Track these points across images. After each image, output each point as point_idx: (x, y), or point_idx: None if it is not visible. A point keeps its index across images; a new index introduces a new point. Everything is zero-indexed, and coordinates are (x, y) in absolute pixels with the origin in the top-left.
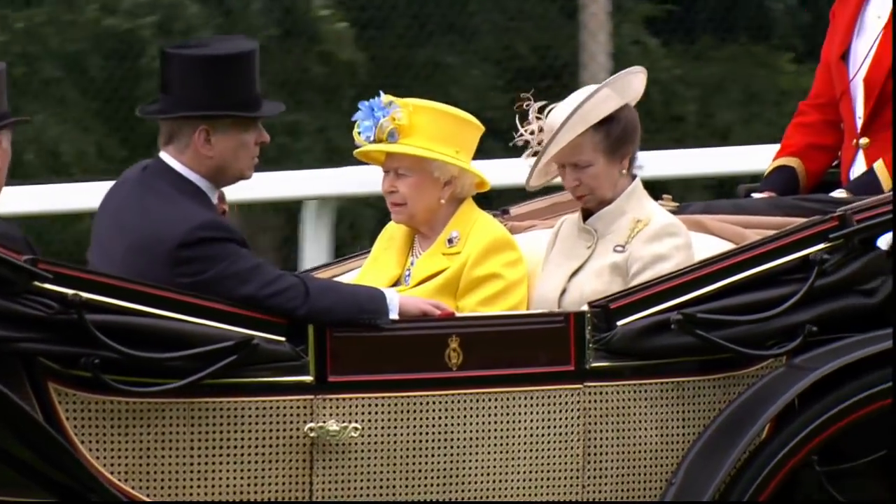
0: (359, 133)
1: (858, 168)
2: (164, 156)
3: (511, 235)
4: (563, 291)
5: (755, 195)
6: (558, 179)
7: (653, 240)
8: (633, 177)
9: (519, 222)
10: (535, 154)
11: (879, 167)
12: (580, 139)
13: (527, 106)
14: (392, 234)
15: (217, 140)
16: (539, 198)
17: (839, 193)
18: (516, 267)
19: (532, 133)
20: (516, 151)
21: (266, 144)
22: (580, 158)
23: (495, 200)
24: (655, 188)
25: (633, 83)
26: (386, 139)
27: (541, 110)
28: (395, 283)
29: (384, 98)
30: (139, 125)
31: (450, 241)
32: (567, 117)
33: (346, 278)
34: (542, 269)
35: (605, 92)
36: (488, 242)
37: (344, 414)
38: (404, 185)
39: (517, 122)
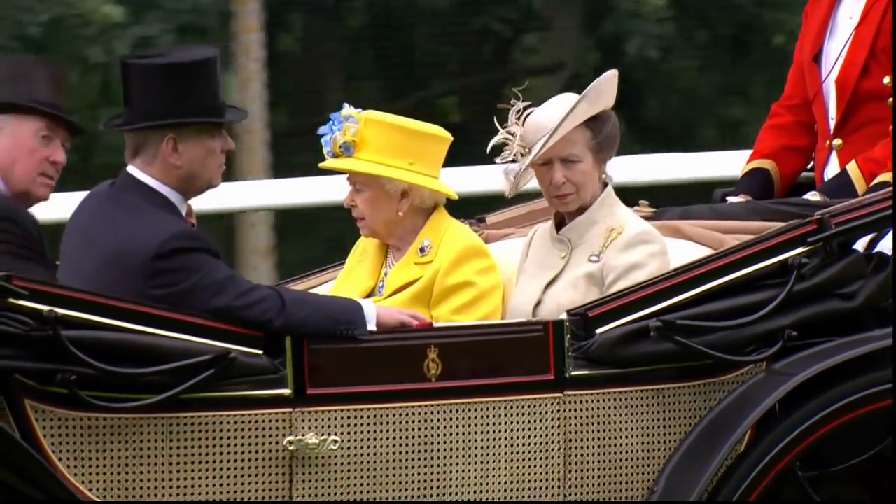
0: (324, 146)
1: (832, 169)
2: (132, 169)
3: (483, 243)
4: (539, 302)
5: (731, 199)
6: (533, 185)
7: (627, 248)
8: (605, 185)
9: (495, 230)
10: (513, 160)
11: (852, 168)
12: (574, 133)
13: (512, 104)
14: (365, 246)
15: (185, 148)
16: (515, 205)
17: (813, 196)
18: (489, 274)
19: (512, 135)
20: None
21: (232, 153)
22: (573, 153)
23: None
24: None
25: (612, 88)
26: (341, 153)
27: (519, 114)
28: (370, 295)
29: (343, 111)
30: None
31: (421, 250)
32: (566, 115)
33: (320, 291)
34: (517, 279)
35: (590, 95)
36: (460, 250)
37: (323, 427)
38: (361, 199)
39: (496, 122)
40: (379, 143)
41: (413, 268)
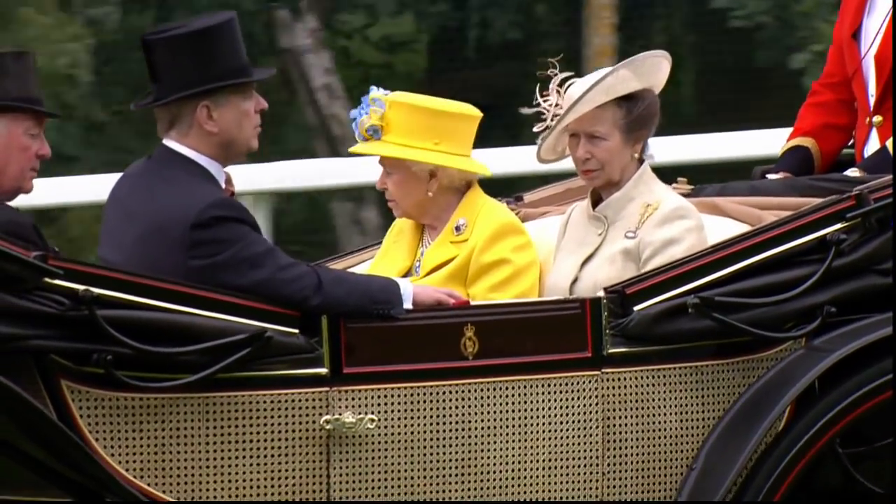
0: (354, 130)
1: (872, 146)
2: (168, 142)
3: (518, 220)
4: (576, 279)
5: (770, 176)
6: (570, 165)
7: (663, 223)
8: (642, 162)
9: (533, 209)
10: (547, 128)
11: (892, 145)
12: (601, 111)
13: (551, 73)
14: (402, 227)
15: (220, 114)
16: (553, 184)
17: (853, 172)
18: (525, 251)
19: (549, 105)
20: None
21: (265, 111)
22: (597, 129)
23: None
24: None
25: (660, 68)
26: (370, 136)
27: (561, 84)
28: (406, 275)
29: (371, 94)
30: None
31: (457, 229)
32: (591, 85)
33: (358, 271)
34: (554, 257)
35: (628, 71)
36: (495, 228)
37: (360, 406)
38: (391, 182)
39: (536, 91)
40: (404, 125)
41: (449, 247)
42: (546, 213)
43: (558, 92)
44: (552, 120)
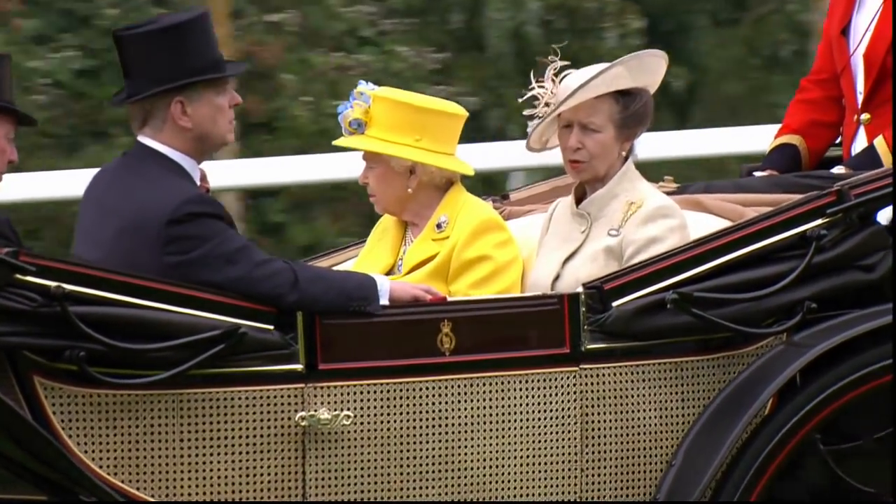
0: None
1: (860, 144)
2: (143, 139)
3: (500, 217)
4: (557, 277)
5: (757, 174)
6: (558, 160)
7: (646, 222)
8: (625, 159)
9: (519, 206)
10: (537, 116)
11: (879, 143)
12: (598, 102)
13: (550, 60)
14: (386, 224)
15: (194, 109)
16: (539, 182)
17: (838, 170)
18: (506, 247)
19: (543, 91)
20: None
21: (239, 105)
22: (592, 121)
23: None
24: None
25: (658, 69)
26: (354, 130)
27: (557, 73)
28: (389, 272)
29: (357, 88)
30: None
31: (438, 226)
32: (593, 76)
33: (343, 268)
34: (537, 253)
35: (628, 66)
36: (476, 224)
37: (335, 402)
38: (372, 176)
39: (531, 78)
40: (387, 120)
41: (430, 244)
42: (531, 211)
43: (553, 80)
44: (544, 110)
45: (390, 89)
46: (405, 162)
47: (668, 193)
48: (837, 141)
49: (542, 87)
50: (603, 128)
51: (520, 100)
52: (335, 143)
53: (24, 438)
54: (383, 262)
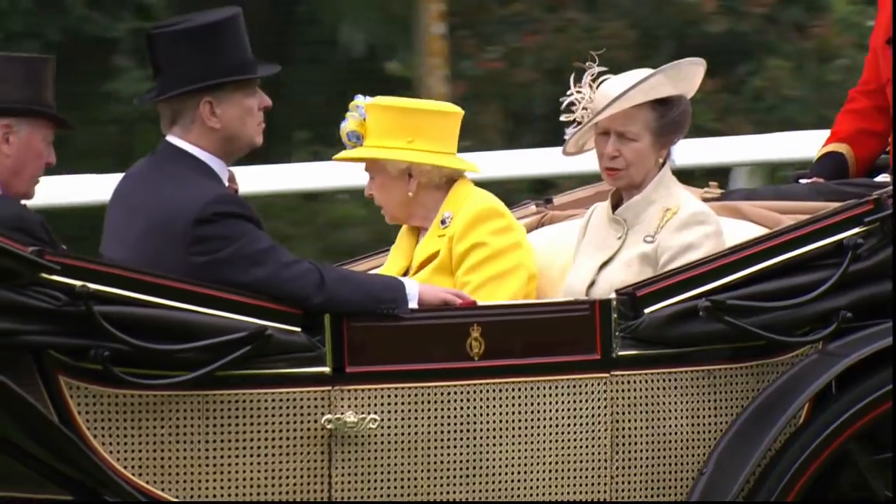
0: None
1: None
2: (171, 138)
3: (500, 204)
4: (592, 283)
5: (802, 181)
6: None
7: (682, 228)
8: (662, 165)
9: (560, 211)
10: (576, 122)
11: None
12: (636, 111)
13: (588, 66)
14: (402, 232)
15: (222, 110)
16: (583, 187)
17: (883, 177)
18: (505, 234)
19: (581, 97)
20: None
21: (269, 109)
22: (629, 129)
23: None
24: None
25: (696, 75)
26: (354, 143)
27: (594, 79)
28: (405, 275)
29: (354, 101)
30: None
31: (443, 222)
32: (632, 86)
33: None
34: (573, 259)
35: (666, 75)
36: (472, 215)
37: (362, 405)
38: (375, 187)
39: (570, 82)
40: (380, 127)
41: (436, 240)
42: (572, 216)
43: (590, 86)
44: (582, 114)
45: (383, 97)
46: (400, 164)
47: (713, 200)
48: (887, 150)
49: (580, 92)
50: (640, 136)
51: (562, 102)
52: (334, 158)
53: (49, 438)
54: (398, 266)
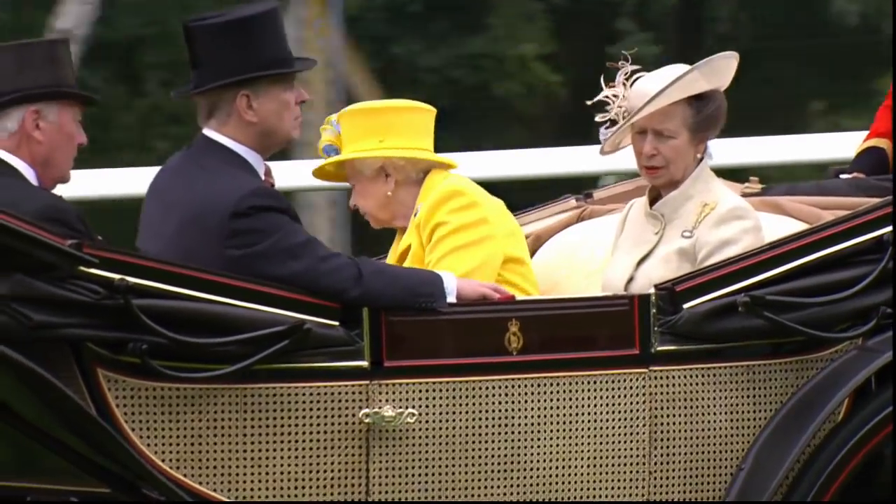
0: None
1: None
2: (207, 131)
3: (462, 183)
4: (631, 279)
5: (843, 176)
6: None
7: (720, 224)
8: (700, 160)
9: (601, 206)
10: (612, 121)
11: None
12: (672, 108)
13: (621, 65)
14: (397, 233)
15: (259, 104)
16: (623, 182)
17: None
18: (467, 211)
19: (615, 96)
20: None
21: (306, 102)
22: (667, 127)
23: None
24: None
25: (729, 68)
26: (328, 156)
27: (628, 77)
28: None
29: (328, 117)
30: None
31: (415, 214)
32: (668, 85)
33: None
34: (612, 254)
35: (702, 70)
36: (435, 199)
37: (400, 399)
38: (356, 195)
39: (602, 82)
40: (352, 134)
41: (410, 233)
42: (612, 211)
43: (624, 84)
44: (616, 112)
45: (352, 105)
46: (374, 164)
47: (753, 195)
48: None
49: (614, 90)
50: (677, 133)
51: (588, 102)
52: (312, 173)
53: (87, 431)
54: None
